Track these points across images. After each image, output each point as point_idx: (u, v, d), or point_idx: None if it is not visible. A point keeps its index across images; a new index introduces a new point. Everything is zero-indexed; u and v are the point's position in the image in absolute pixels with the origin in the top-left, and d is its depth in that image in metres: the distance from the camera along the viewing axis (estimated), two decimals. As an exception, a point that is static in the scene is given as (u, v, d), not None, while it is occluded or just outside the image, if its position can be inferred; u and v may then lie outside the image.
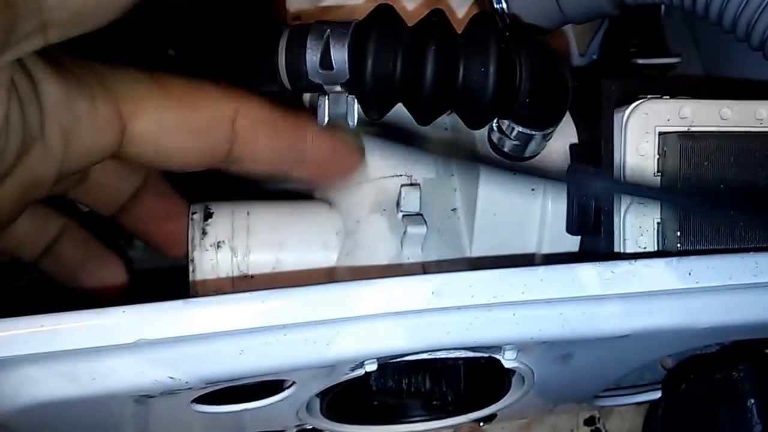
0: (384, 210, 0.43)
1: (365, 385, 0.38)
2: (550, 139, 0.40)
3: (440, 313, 0.32)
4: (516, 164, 0.41)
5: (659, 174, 0.39)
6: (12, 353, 0.29)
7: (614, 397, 0.51)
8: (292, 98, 0.46)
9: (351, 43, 0.36)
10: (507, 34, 0.37)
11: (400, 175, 0.44)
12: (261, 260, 0.42)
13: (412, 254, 0.42)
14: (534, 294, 0.33)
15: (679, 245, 0.38)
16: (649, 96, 0.39)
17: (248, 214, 0.43)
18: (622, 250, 0.39)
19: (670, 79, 0.53)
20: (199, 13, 0.50)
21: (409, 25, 0.37)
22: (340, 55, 0.36)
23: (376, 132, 0.41)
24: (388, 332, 0.32)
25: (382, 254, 0.42)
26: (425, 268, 0.42)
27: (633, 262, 0.33)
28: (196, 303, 0.30)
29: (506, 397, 0.44)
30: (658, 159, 0.39)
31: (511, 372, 0.40)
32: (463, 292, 0.32)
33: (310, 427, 0.45)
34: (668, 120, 0.39)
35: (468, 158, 0.42)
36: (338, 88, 0.38)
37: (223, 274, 0.42)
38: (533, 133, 0.39)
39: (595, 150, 0.41)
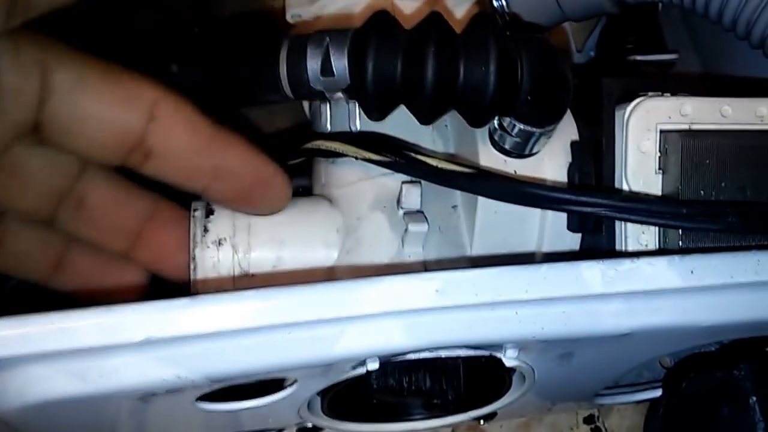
0: (384, 207, 0.43)
1: (366, 384, 0.38)
2: (551, 136, 0.40)
3: (444, 311, 0.32)
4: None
5: (660, 171, 0.39)
6: (20, 351, 0.29)
7: (614, 395, 0.51)
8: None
9: (351, 49, 0.37)
10: (507, 32, 0.37)
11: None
12: (262, 258, 0.42)
13: (414, 252, 0.42)
14: (537, 292, 0.33)
15: (680, 243, 0.38)
16: (650, 93, 0.39)
17: (249, 211, 0.43)
18: (623, 248, 0.39)
19: (670, 77, 0.53)
20: (202, 26, 0.50)
21: (408, 28, 0.37)
22: (340, 62, 0.37)
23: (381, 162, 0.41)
24: (392, 330, 0.32)
25: (383, 252, 0.42)
26: (426, 267, 0.42)
27: (635, 260, 0.34)
28: (202, 300, 0.30)
29: (507, 395, 0.44)
30: (660, 157, 0.39)
31: (511, 370, 0.40)
32: (467, 290, 0.32)
33: (311, 425, 0.45)
34: (669, 118, 0.39)
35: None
36: (340, 95, 0.38)
37: (224, 272, 0.41)
38: (534, 130, 0.39)
39: (597, 148, 0.41)
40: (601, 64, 0.57)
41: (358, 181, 0.44)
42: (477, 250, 0.42)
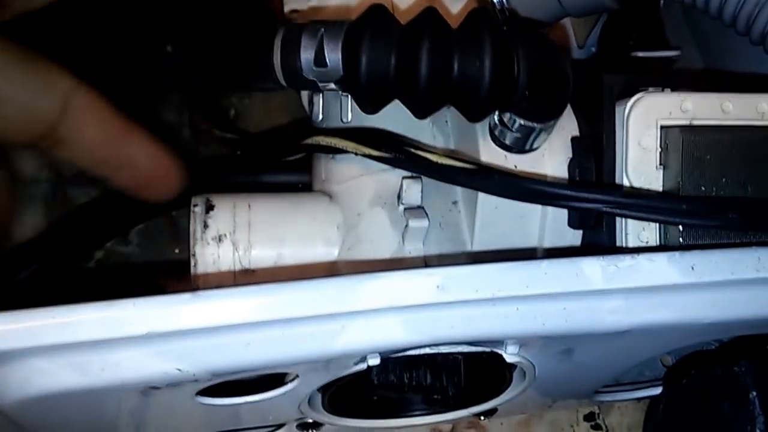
0: (385, 203, 0.43)
1: (367, 380, 0.38)
2: (551, 132, 0.40)
3: (445, 307, 0.32)
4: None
5: (662, 167, 0.39)
6: (22, 345, 0.29)
7: (614, 392, 0.51)
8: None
9: (345, 41, 0.37)
10: (504, 27, 0.37)
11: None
12: (263, 255, 0.42)
13: (414, 248, 0.42)
14: (538, 288, 0.33)
15: (681, 240, 0.38)
16: (650, 89, 0.39)
17: (249, 207, 0.43)
18: (624, 245, 0.39)
19: (670, 73, 0.53)
20: (198, 11, 0.50)
21: (403, 23, 0.37)
22: (334, 53, 0.37)
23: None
24: (393, 326, 0.32)
25: (383, 248, 0.42)
26: (426, 263, 0.42)
27: (636, 256, 0.33)
28: (204, 295, 0.30)
29: (507, 391, 0.44)
30: (661, 152, 0.39)
31: (512, 366, 0.40)
32: (468, 285, 0.32)
33: (311, 420, 0.45)
34: (670, 113, 0.39)
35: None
36: (332, 86, 0.38)
37: (224, 269, 0.41)
38: (534, 125, 0.39)
39: (597, 143, 0.41)
40: (601, 60, 0.57)
41: (359, 176, 0.44)
42: (477, 246, 0.42)
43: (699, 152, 0.38)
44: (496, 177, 0.39)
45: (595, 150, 0.41)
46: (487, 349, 0.37)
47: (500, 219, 0.41)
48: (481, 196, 0.41)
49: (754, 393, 0.38)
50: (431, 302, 0.32)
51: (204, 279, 0.41)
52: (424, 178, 0.42)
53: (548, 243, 0.42)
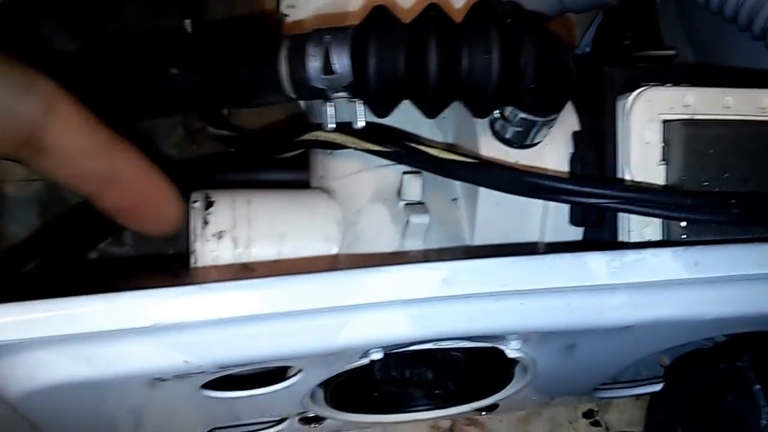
0: (385, 199, 0.43)
1: (369, 375, 0.38)
2: (552, 126, 0.40)
3: (449, 301, 0.32)
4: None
5: (664, 162, 0.38)
6: (29, 336, 0.29)
7: (613, 389, 0.51)
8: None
9: (352, 46, 0.37)
10: (508, 20, 0.37)
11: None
12: (262, 251, 0.42)
13: (414, 244, 0.42)
14: (542, 283, 0.32)
15: (684, 236, 0.38)
16: (651, 84, 0.39)
17: (249, 203, 0.42)
18: (626, 242, 0.39)
19: (671, 68, 0.53)
20: (194, 24, 0.50)
21: (407, 22, 0.37)
22: (341, 59, 0.37)
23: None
24: (397, 320, 0.32)
25: (383, 245, 0.42)
26: (427, 259, 0.42)
27: (641, 251, 0.33)
28: (210, 288, 0.30)
29: (508, 387, 0.43)
30: (663, 147, 0.38)
31: (514, 362, 0.40)
32: (473, 280, 0.32)
33: (313, 414, 0.44)
34: (671, 108, 0.39)
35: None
36: (342, 93, 0.38)
37: (224, 265, 0.41)
38: (536, 119, 0.38)
39: (598, 138, 0.40)
40: (601, 55, 0.57)
41: (358, 172, 0.44)
42: (478, 242, 0.42)
43: (701, 147, 0.38)
44: (497, 171, 0.38)
45: (597, 145, 0.41)
46: (489, 345, 0.37)
47: (501, 216, 0.41)
48: (482, 192, 0.41)
49: (758, 386, 0.38)
50: (436, 296, 0.31)
51: (204, 276, 0.41)
52: (423, 175, 0.42)
53: (550, 238, 0.42)
